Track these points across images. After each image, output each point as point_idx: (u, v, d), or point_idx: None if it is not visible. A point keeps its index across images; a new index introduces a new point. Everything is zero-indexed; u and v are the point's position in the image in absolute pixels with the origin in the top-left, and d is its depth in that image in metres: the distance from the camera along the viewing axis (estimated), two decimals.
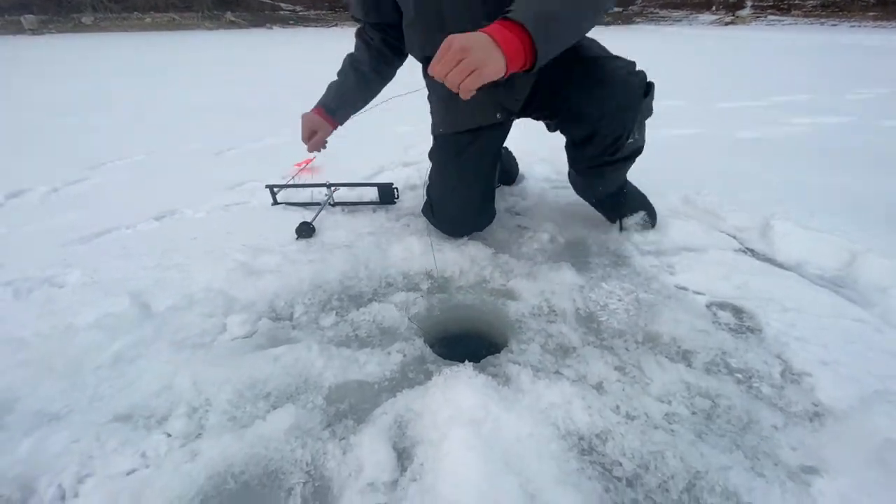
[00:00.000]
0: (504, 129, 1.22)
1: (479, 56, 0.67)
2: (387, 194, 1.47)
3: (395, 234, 1.26)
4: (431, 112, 1.22)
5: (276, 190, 1.50)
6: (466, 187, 1.17)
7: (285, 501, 0.59)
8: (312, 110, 1.24)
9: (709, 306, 0.99)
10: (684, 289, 1.06)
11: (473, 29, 0.70)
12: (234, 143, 2.28)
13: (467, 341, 1.00)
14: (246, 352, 0.82)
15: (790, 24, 19.35)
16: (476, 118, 1.13)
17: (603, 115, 1.00)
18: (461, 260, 1.13)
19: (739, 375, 0.80)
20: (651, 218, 1.31)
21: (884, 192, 1.57)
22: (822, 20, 19.84)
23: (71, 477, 0.62)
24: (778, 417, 0.71)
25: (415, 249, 1.17)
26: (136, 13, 21.89)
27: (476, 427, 0.64)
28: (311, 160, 1.82)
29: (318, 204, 1.44)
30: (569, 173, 1.33)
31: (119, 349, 0.81)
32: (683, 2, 21.42)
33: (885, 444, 0.65)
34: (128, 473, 0.62)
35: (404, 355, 0.83)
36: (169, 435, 0.68)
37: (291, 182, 1.53)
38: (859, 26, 18.60)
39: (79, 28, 20.28)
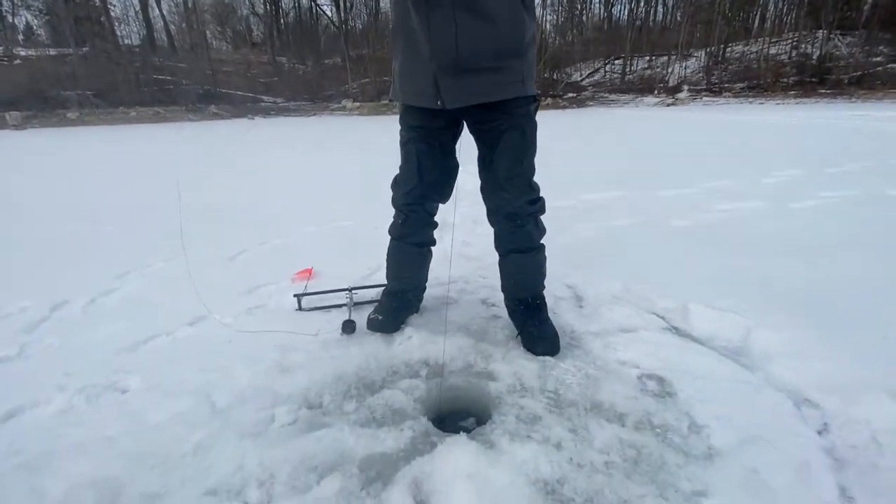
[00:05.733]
0: (445, 128, 1.40)
1: None
2: None
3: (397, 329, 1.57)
4: (392, 78, 1.41)
5: (301, 298, 1.78)
6: (416, 160, 1.44)
7: None
8: None
9: (639, 377, 1.31)
10: (623, 363, 1.39)
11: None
12: (242, 247, 2.60)
13: (461, 415, 1.28)
14: (294, 436, 1.08)
15: (723, 104, 21.82)
16: (419, 97, 1.32)
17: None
18: (450, 349, 1.44)
19: (658, 430, 1.10)
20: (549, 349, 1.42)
21: (777, 273, 1.99)
22: (751, 99, 22.48)
23: None
24: (681, 459, 1.00)
25: (413, 341, 1.47)
26: (121, 108, 22.86)
27: (472, 480, 0.92)
28: (310, 269, 2.14)
29: (337, 306, 1.74)
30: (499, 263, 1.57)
31: (198, 440, 1.06)
32: (629, 87, 24.00)
33: (749, 474, 0.96)
34: None
35: (413, 431, 1.10)
36: (247, 503, 0.92)
37: (312, 290, 1.83)
38: (783, 104, 21.10)
39: (63, 123, 20.91)
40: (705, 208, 3.12)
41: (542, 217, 1.50)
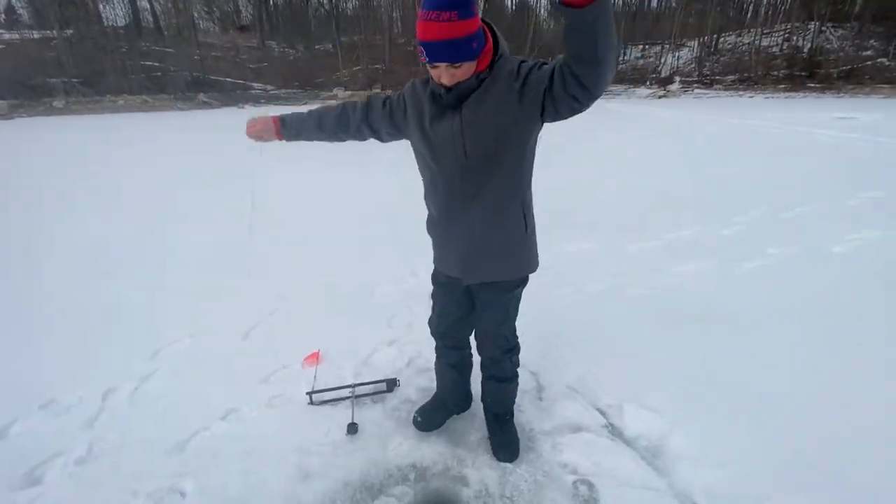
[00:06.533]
0: (466, 289, 1.69)
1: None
2: (391, 385, 2.22)
3: (389, 432, 1.98)
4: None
5: (313, 395, 2.18)
6: (438, 310, 1.84)
7: None
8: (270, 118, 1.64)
9: (574, 483, 1.73)
10: (564, 466, 1.81)
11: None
12: (254, 319, 2.95)
13: None
14: None
15: (713, 96, 22.03)
16: (447, 266, 1.67)
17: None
18: (432, 454, 1.86)
19: None
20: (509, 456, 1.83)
21: (709, 359, 2.39)
22: (741, 92, 22.67)
23: None
24: None
25: (403, 448, 1.88)
26: (108, 96, 22.51)
27: None
28: (317, 353, 2.52)
29: (343, 399, 2.15)
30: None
31: None
32: (622, 78, 24.07)
33: None
34: None
35: None
36: None
37: (320, 388, 2.21)
38: (772, 97, 21.32)
39: (50, 111, 20.61)
40: (662, 270, 3.51)
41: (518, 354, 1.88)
